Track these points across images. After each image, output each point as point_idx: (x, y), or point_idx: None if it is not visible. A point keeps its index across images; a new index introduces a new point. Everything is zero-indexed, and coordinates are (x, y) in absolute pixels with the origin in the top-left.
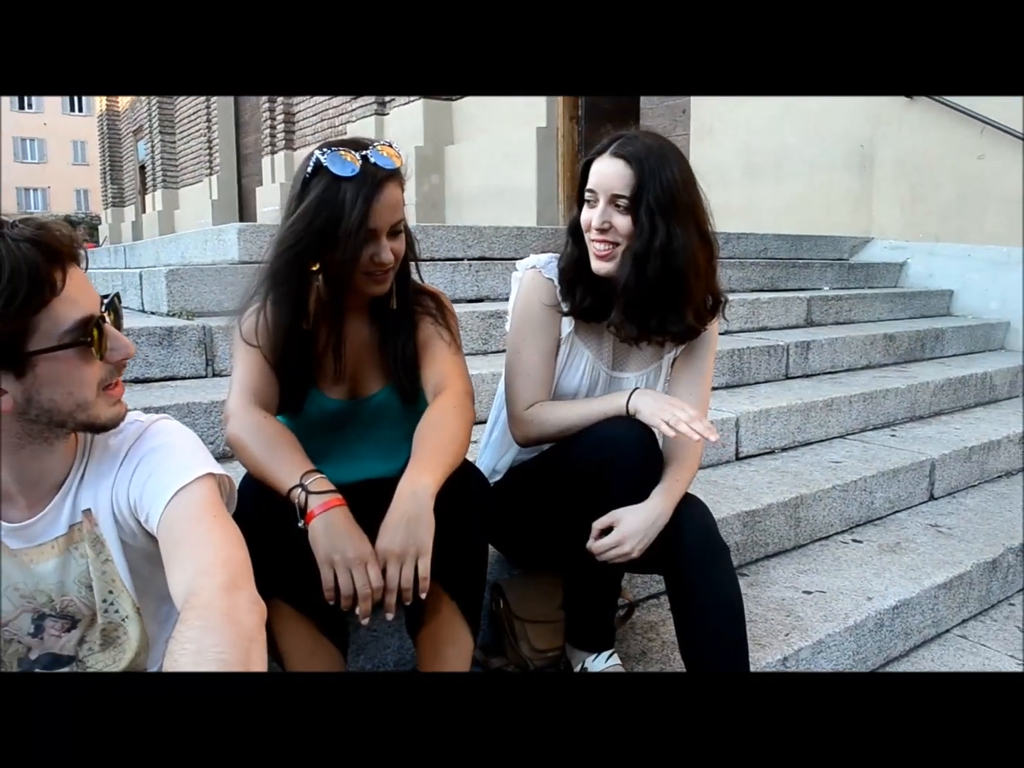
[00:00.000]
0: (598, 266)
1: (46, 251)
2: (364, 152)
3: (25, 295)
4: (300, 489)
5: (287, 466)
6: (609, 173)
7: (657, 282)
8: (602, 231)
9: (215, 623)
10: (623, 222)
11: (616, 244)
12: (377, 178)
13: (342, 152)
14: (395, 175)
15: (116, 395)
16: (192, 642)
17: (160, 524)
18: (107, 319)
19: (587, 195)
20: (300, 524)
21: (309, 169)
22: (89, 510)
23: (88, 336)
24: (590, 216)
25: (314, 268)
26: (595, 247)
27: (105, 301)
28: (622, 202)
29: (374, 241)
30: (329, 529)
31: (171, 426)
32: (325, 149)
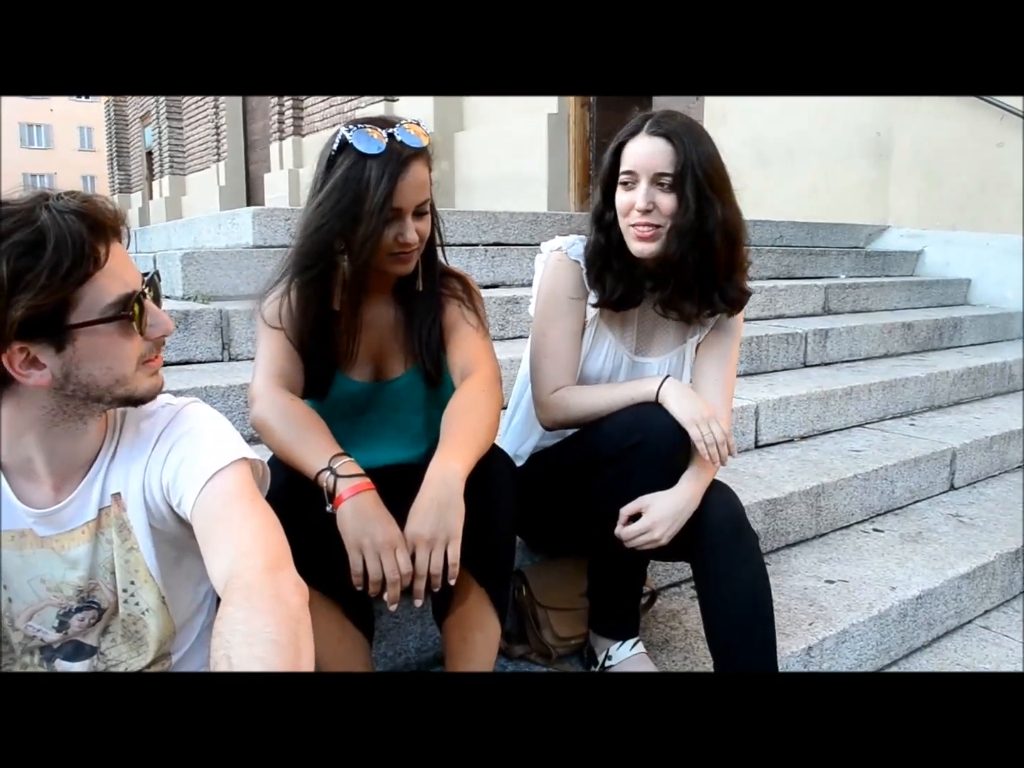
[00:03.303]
0: (640, 248)
1: (91, 224)
2: (391, 130)
3: (69, 267)
4: (328, 472)
5: (315, 449)
6: (650, 152)
7: (717, 258)
8: (646, 212)
9: (263, 604)
10: (667, 201)
11: (659, 225)
12: (403, 156)
13: (368, 129)
14: (422, 153)
15: (154, 366)
16: (243, 623)
17: (195, 508)
18: (147, 295)
19: (624, 177)
20: (328, 508)
21: (335, 147)
22: (119, 494)
23: (129, 311)
24: (630, 198)
25: (340, 249)
26: (637, 229)
27: (145, 278)
28: (666, 180)
29: (399, 220)
30: (358, 513)
31: (203, 410)
32: (351, 126)
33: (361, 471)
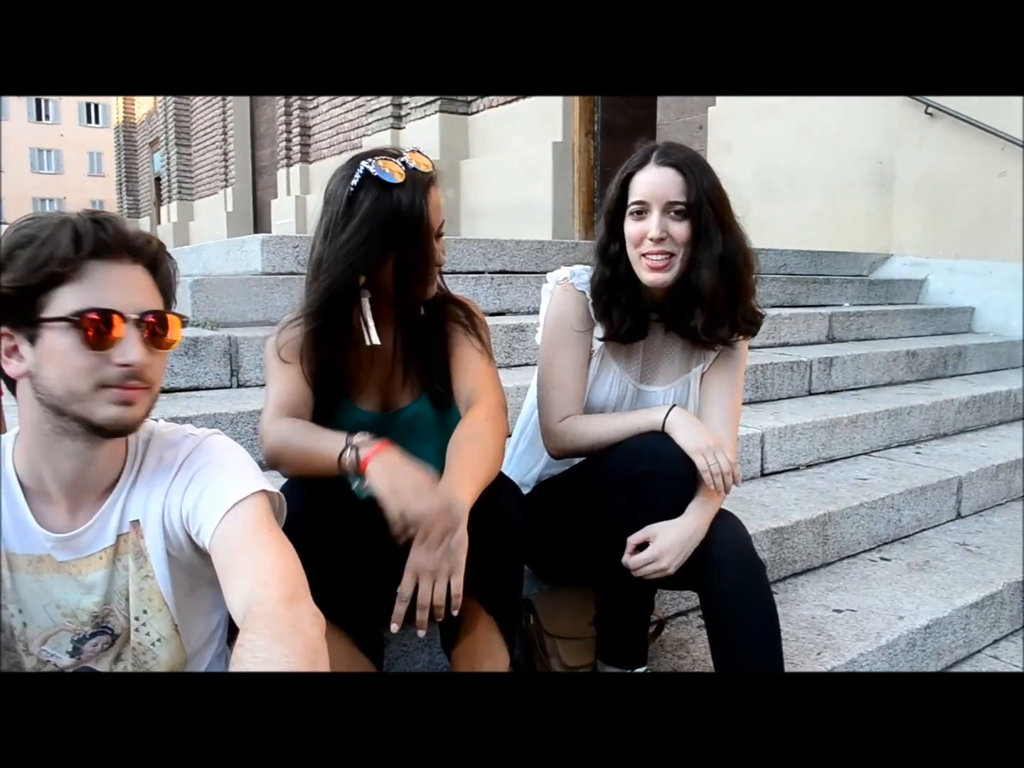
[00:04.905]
0: (654, 278)
1: (77, 234)
2: (402, 159)
3: (42, 262)
4: (349, 449)
5: (330, 440)
6: (661, 182)
7: (737, 281)
8: (660, 240)
9: (282, 633)
10: (680, 229)
11: (672, 254)
12: (424, 182)
13: (383, 161)
14: (434, 179)
15: (118, 397)
16: (262, 650)
17: (214, 537)
18: (136, 323)
19: (634, 207)
20: (355, 485)
21: (355, 182)
22: (137, 521)
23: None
24: (641, 228)
25: (362, 282)
26: (650, 259)
27: (148, 311)
28: (678, 208)
29: None
30: (386, 465)
31: (225, 442)
32: (370, 159)
33: (377, 439)
